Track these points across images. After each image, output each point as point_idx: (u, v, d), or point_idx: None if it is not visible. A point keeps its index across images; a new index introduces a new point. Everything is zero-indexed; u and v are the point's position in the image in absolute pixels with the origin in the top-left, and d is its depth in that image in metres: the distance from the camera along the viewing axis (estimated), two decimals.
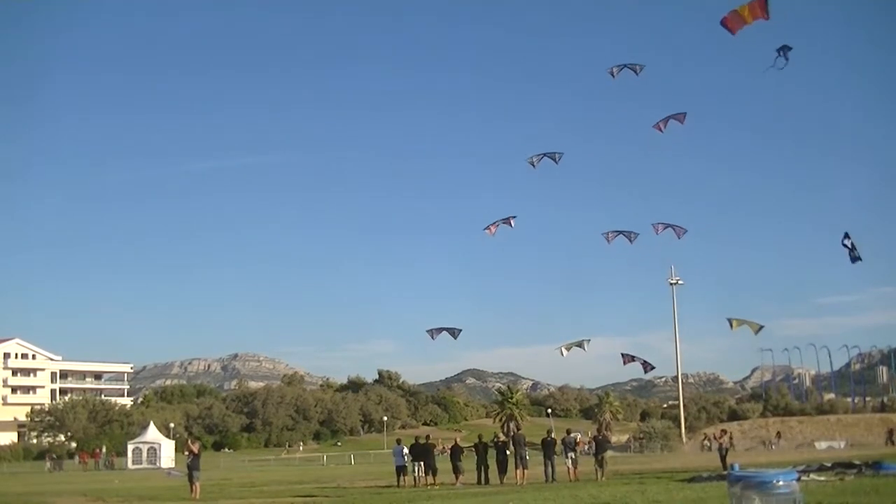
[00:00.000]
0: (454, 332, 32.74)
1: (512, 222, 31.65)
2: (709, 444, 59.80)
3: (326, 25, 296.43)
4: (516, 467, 26.22)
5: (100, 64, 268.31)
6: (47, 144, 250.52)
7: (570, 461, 26.44)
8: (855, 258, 25.35)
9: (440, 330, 32.78)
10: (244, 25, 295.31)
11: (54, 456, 72.39)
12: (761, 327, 30.72)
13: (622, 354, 32.08)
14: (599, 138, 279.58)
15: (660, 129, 28.83)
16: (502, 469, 26.67)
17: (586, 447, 39.79)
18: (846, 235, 25.43)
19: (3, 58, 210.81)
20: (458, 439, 29.68)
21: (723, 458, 28.07)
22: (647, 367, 31.44)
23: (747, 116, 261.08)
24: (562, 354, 32.81)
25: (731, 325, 30.22)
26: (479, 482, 26.25)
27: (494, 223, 31.57)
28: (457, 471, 26.92)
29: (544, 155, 28.95)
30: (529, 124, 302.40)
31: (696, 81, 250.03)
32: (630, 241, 31.19)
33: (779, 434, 64.27)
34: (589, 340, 33.36)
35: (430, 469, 27.08)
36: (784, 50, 23.02)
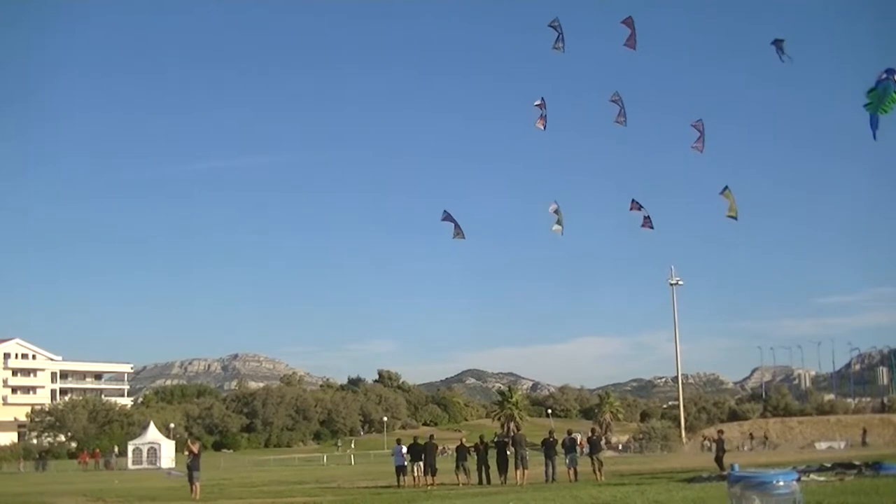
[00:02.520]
0: (459, 230, 30.07)
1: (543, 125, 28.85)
2: (709, 445, 59.88)
3: (326, 25, 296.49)
4: (516, 467, 26.27)
5: (100, 64, 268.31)
6: (47, 144, 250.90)
7: (570, 461, 26.48)
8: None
9: (457, 226, 30.15)
10: (244, 26, 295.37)
11: (36, 456, 72.48)
12: (727, 189, 28.87)
13: (633, 200, 29.96)
14: (600, 138, 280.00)
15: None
16: (502, 469, 26.72)
17: (584, 449, 39.79)
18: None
19: (3, 58, 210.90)
20: (463, 440, 29.75)
21: (719, 459, 28.03)
22: (647, 222, 29.75)
23: (747, 116, 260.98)
24: (558, 231, 30.90)
25: (735, 217, 28.57)
26: (480, 482, 26.30)
27: (541, 116, 28.90)
28: (462, 471, 26.97)
29: (560, 35, 26.63)
30: (529, 123, 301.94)
31: (695, 81, 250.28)
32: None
33: (752, 436, 64.20)
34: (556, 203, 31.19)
35: (431, 469, 27.11)
36: (778, 43, 22.84)
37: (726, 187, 27.71)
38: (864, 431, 59.74)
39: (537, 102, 28.08)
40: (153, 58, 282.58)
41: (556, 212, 30.33)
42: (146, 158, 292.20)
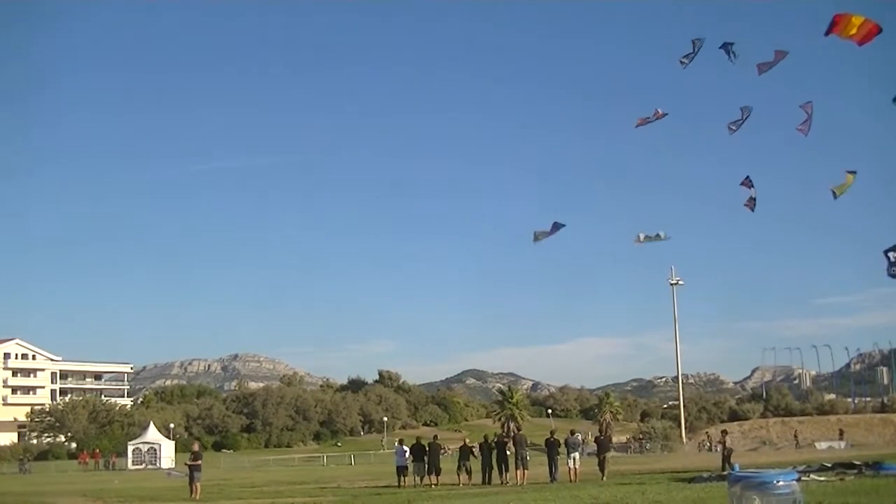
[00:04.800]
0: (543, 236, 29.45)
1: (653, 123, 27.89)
2: (708, 444, 59.84)
3: (325, 25, 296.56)
4: (517, 468, 26.31)
5: (100, 64, 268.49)
6: (47, 144, 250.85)
7: (573, 461, 26.56)
8: (894, 274, 24.73)
9: (546, 234, 29.49)
10: (243, 26, 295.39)
11: (21, 457, 72.45)
12: (854, 174, 28.52)
13: (747, 177, 29.55)
14: (600, 138, 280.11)
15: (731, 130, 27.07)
16: (504, 469, 26.82)
17: (587, 448, 39.92)
18: (893, 248, 24.83)
19: (3, 58, 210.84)
20: (466, 440, 29.87)
21: (726, 459, 28.15)
22: (751, 203, 29.36)
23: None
24: (639, 240, 30.64)
25: (835, 195, 28.48)
26: (483, 482, 26.36)
27: (647, 118, 27.99)
28: (464, 471, 27.01)
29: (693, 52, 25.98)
30: (529, 124, 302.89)
31: (693, 80, 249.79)
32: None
33: (724, 433, 63.92)
34: (669, 237, 30.96)
35: (434, 469, 27.19)
36: (727, 46, 22.93)
37: (854, 172, 27.39)
38: (841, 432, 60.40)
39: (660, 112, 27.59)
40: (153, 58, 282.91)
41: (658, 236, 30.29)
42: (146, 158, 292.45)
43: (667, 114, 27.21)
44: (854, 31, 17.63)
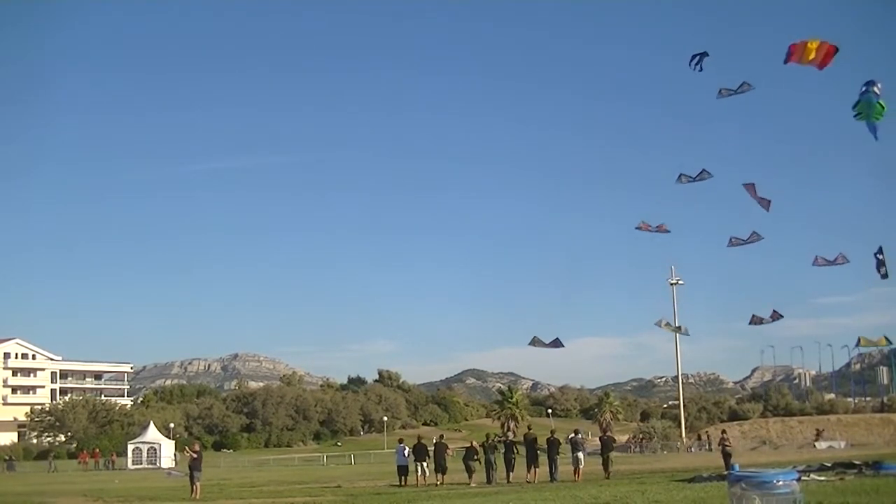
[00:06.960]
0: (540, 343, 31.05)
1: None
2: (707, 445, 59.86)
3: (325, 25, 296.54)
4: (528, 467, 26.59)
5: (100, 64, 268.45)
6: (47, 144, 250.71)
7: (576, 461, 26.69)
8: (884, 274, 25.35)
9: (545, 344, 31.09)
10: (244, 25, 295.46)
11: (6, 458, 72.51)
12: (889, 343, 30.28)
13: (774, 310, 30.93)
14: (599, 138, 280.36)
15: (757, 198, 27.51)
16: (510, 468, 26.95)
17: (587, 448, 40.04)
18: (880, 250, 25.50)
19: (3, 58, 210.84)
20: (473, 442, 30.05)
21: (727, 458, 28.28)
22: (754, 320, 30.76)
23: (745, 115, 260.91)
24: (660, 325, 33.18)
25: (859, 343, 30.17)
26: (488, 481, 26.45)
27: (649, 225, 29.23)
28: (469, 471, 27.10)
29: (694, 178, 26.77)
30: (530, 124, 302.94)
31: (694, 81, 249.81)
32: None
33: (699, 437, 64.07)
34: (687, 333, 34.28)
35: (441, 469, 27.33)
36: (700, 56, 23.16)
37: (891, 343, 28.93)
38: (818, 432, 61.28)
39: (664, 227, 28.74)
40: (153, 58, 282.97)
41: (679, 328, 32.49)
42: (146, 158, 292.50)
43: (669, 231, 28.72)
44: (812, 55, 17.82)
